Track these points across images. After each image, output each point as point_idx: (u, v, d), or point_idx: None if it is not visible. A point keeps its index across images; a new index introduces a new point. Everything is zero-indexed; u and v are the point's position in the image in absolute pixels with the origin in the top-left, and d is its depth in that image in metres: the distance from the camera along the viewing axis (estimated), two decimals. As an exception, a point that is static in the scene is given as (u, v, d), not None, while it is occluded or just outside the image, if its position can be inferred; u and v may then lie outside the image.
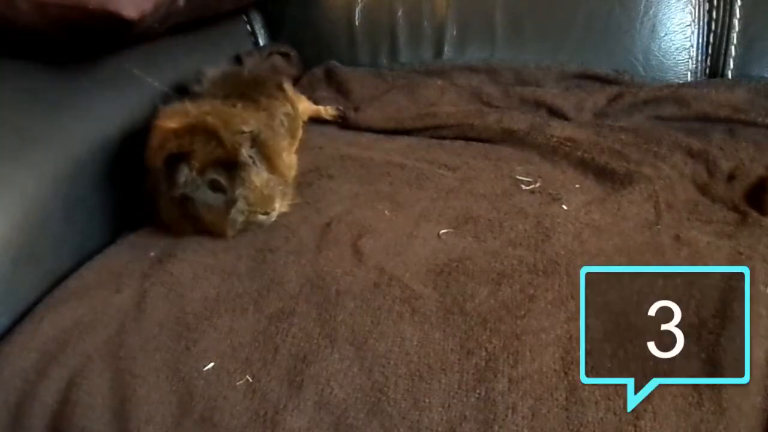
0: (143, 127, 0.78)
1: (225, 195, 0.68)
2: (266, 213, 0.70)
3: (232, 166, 0.67)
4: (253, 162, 0.69)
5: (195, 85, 0.86)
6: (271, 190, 0.69)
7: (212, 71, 0.90)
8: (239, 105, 0.79)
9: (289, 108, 0.92)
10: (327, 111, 1.06)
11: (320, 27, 1.25)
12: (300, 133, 0.95)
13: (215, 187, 0.68)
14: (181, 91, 0.87)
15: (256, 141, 0.71)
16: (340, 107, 1.06)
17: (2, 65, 0.78)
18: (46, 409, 0.56)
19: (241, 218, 0.69)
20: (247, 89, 0.86)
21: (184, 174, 0.67)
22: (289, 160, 0.83)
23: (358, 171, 0.85)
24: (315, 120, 1.05)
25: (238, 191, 0.67)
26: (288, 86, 0.99)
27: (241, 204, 0.68)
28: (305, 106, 1.04)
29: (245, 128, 0.70)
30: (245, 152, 0.69)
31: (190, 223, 0.70)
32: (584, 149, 0.85)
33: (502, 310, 0.58)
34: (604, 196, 0.76)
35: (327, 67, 1.20)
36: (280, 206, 0.72)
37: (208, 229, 0.70)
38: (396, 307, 0.59)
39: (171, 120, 0.72)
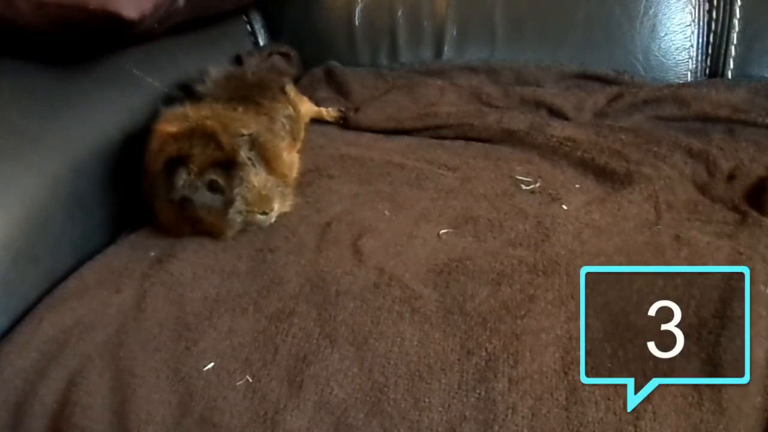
0: (143, 128, 0.78)
1: (223, 195, 0.68)
2: (264, 213, 0.70)
3: (230, 166, 0.68)
4: (252, 163, 0.70)
5: (198, 85, 0.86)
6: (269, 191, 0.70)
7: (216, 71, 0.90)
8: (240, 108, 0.79)
9: (291, 110, 0.92)
10: (329, 113, 1.06)
11: (320, 27, 1.25)
12: (302, 134, 0.95)
13: (214, 188, 0.68)
14: (185, 91, 0.87)
15: (255, 143, 0.71)
16: (342, 108, 1.06)
17: (2, 65, 0.78)
18: (46, 409, 0.55)
19: (239, 218, 0.69)
20: (249, 92, 0.86)
21: (183, 177, 0.67)
22: (290, 160, 0.83)
23: (358, 171, 0.85)
24: (316, 120, 1.05)
25: (236, 191, 0.67)
26: (290, 88, 0.99)
27: (239, 204, 0.68)
28: (307, 108, 1.04)
29: (244, 131, 0.70)
30: (244, 154, 0.69)
31: (189, 225, 0.70)
32: (584, 149, 0.85)
33: (502, 310, 0.58)
34: (604, 196, 0.76)
35: (327, 68, 1.20)
36: (279, 207, 0.72)
37: (208, 231, 0.70)
38: (396, 307, 0.59)
39: (171, 124, 0.72)
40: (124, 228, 0.77)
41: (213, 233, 0.70)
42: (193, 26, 1.07)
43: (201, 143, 0.68)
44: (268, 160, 0.72)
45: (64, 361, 0.57)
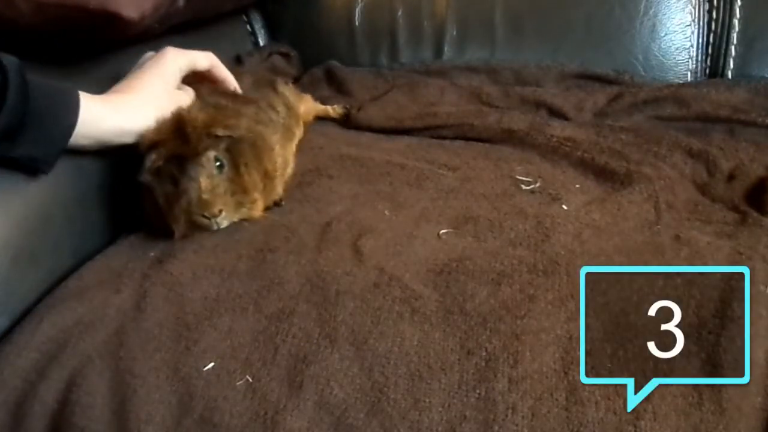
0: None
1: (176, 189, 0.67)
2: (206, 217, 0.68)
3: (185, 161, 0.67)
4: (219, 165, 0.68)
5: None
6: (213, 196, 0.67)
7: None
8: (229, 102, 0.79)
9: (283, 108, 0.91)
10: (335, 110, 1.06)
11: (320, 27, 1.26)
12: (299, 133, 0.95)
13: (173, 179, 0.67)
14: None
15: (230, 147, 0.69)
16: (347, 105, 1.06)
17: (2, 65, 0.78)
18: (46, 409, 0.55)
19: (183, 216, 0.67)
20: (246, 90, 0.86)
21: (151, 159, 0.67)
22: (284, 158, 0.82)
23: (358, 171, 0.85)
24: (320, 118, 1.05)
25: (182, 188, 0.67)
26: (285, 87, 0.98)
27: (183, 202, 0.67)
28: (309, 107, 1.04)
29: (220, 132, 0.69)
30: (211, 154, 0.68)
31: (157, 216, 0.69)
32: (584, 149, 0.85)
33: (502, 310, 0.58)
34: (604, 196, 0.76)
35: (327, 67, 1.20)
36: (232, 215, 0.70)
37: (165, 222, 0.69)
38: (396, 307, 0.59)
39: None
40: (124, 228, 0.77)
41: (167, 225, 0.69)
42: (193, 26, 1.07)
43: (174, 133, 0.68)
44: (238, 166, 0.70)
45: (64, 361, 0.57)
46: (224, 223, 0.70)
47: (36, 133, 0.64)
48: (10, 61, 0.62)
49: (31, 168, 0.67)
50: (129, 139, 0.71)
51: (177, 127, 0.69)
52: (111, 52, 0.90)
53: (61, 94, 0.67)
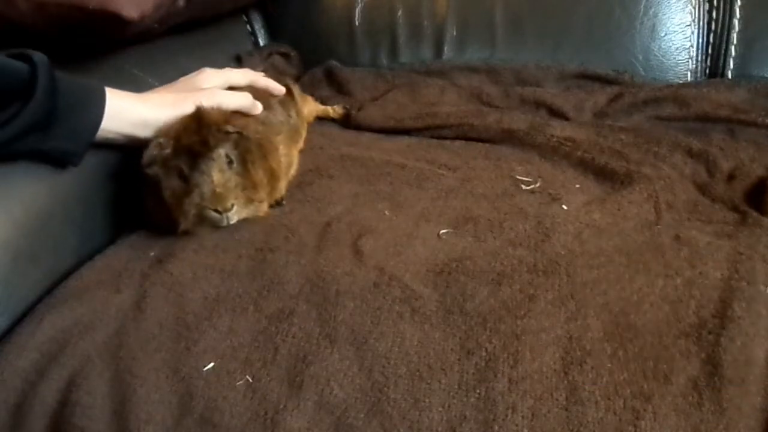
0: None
1: (186, 184, 0.68)
2: (218, 212, 0.68)
3: (197, 157, 0.67)
4: (229, 161, 0.69)
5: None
6: (227, 190, 0.68)
7: None
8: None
9: (293, 109, 0.92)
10: (335, 110, 1.06)
11: (320, 27, 1.26)
12: (304, 134, 0.95)
13: (180, 174, 0.68)
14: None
15: (238, 144, 0.70)
16: (347, 106, 1.07)
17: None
18: (46, 409, 0.55)
19: (193, 210, 0.68)
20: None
21: (157, 145, 0.68)
22: (288, 159, 0.82)
23: (358, 171, 0.85)
24: (320, 118, 1.06)
25: (194, 182, 0.67)
26: (295, 88, 0.98)
27: (195, 196, 0.67)
28: (311, 108, 1.04)
29: (230, 128, 0.69)
30: (222, 151, 0.68)
31: (158, 208, 0.70)
32: (584, 149, 0.85)
33: (502, 310, 0.58)
34: (604, 196, 0.76)
35: (327, 67, 1.20)
36: (242, 211, 0.70)
37: (168, 218, 0.69)
38: (396, 307, 0.59)
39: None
40: (124, 228, 0.77)
41: (171, 220, 0.69)
42: (193, 26, 1.08)
43: (190, 126, 0.69)
44: (245, 163, 0.70)
45: (64, 361, 0.57)
46: (234, 219, 0.70)
47: (65, 126, 0.67)
48: (39, 57, 0.65)
49: (61, 161, 0.70)
50: (152, 133, 0.73)
51: (195, 121, 0.70)
52: (111, 52, 0.90)
53: (87, 90, 0.69)
